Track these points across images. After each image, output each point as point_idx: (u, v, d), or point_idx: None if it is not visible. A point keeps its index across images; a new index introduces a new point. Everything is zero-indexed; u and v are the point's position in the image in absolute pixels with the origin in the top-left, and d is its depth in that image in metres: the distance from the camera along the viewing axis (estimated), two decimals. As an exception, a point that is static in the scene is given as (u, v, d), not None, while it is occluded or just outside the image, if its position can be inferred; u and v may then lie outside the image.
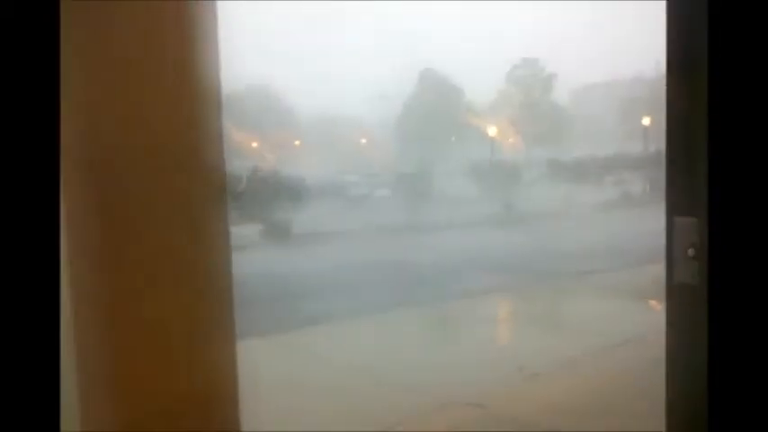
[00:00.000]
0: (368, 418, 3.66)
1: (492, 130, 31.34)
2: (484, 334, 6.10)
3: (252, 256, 11.36)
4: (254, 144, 43.22)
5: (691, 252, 1.03)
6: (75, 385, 1.27)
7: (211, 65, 1.39)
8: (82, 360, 1.28)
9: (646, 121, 33.41)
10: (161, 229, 1.35)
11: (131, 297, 1.33)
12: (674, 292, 1.06)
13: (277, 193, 15.17)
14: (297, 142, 48.66)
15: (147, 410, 1.34)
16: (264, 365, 4.42)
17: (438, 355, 5.28)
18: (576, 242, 13.23)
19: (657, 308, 5.96)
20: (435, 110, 49.59)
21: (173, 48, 1.34)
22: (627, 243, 11.30)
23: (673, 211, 1.05)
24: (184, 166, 1.37)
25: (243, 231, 12.94)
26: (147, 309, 1.34)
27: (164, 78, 1.34)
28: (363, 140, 52.56)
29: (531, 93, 53.22)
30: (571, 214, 19.59)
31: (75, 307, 1.26)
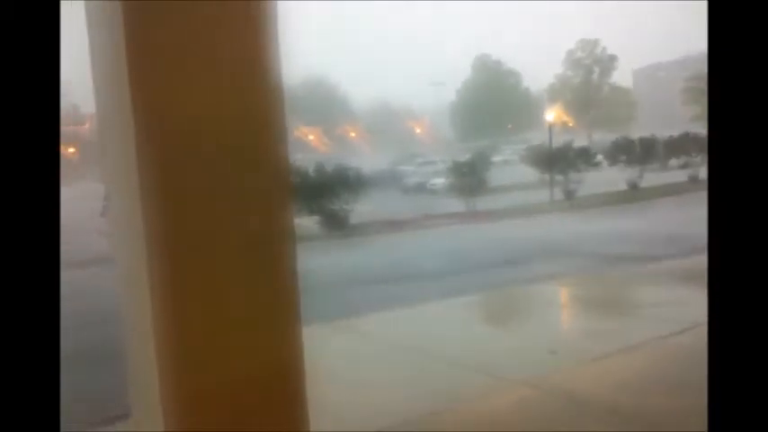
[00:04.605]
0: (426, 396, 3.79)
1: (550, 115, 30.55)
2: (547, 318, 6.09)
3: (311, 246, 11.65)
4: (311, 136, 43.82)
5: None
6: (154, 361, 1.38)
7: (275, 64, 1.44)
8: (159, 339, 1.37)
9: (715, 100, 31.46)
10: (232, 224, 1.42)
11: (203, 285, 1.41)
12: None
13: (333, 184, 15.37)
14: (353, 133, 48.94)
15: (217, 385, 1.42)
16: (328, 349, 4.62)
17: (498, 338, 5.34)
18: (642, 227, 12.86)
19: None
20: (491, 96, 48.79)
21: (239, 49, 1.40)
22: (695, 228, 10.87)
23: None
24: (253, 163, 1.43)
25: (300, 222, 13.26)
26: (220, 295, 1.43)
27: (231, 78, 1.40)
28: (418, 129, 52.22)
29: (590, 75, 51.53)
30: (635, 198, 18.98)
31: (152, 293, 1.36)
